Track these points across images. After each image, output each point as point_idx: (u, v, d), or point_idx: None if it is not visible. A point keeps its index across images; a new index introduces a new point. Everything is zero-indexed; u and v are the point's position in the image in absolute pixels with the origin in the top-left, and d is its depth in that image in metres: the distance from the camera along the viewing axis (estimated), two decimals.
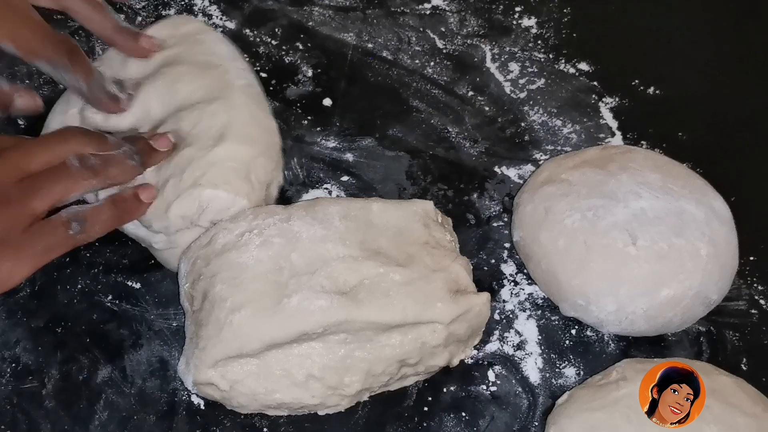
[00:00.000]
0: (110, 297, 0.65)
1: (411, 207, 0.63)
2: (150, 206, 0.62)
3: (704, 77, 0.81)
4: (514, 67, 0.80)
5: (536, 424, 0.62)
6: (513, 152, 0.75)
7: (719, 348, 0.66)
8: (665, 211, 0.64)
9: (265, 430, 0.61)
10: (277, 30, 0.81)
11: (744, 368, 0.65)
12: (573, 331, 0.66)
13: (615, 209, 0.64)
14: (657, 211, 0.64)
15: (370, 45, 0.81)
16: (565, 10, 0.84)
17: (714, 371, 0.60)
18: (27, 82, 0.69)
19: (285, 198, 0.71)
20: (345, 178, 0.73)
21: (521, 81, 0.79)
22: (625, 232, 0.63)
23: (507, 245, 0.70)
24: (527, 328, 0.66)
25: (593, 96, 0.79)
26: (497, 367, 0.64)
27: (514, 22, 0.83)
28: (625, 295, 0.62)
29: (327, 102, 0.77)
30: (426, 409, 0.62)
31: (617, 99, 0.79)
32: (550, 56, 0.81)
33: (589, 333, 0.66)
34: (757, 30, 0.85)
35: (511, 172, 0.74)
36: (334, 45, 0.81)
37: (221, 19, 0.81)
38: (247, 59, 0.78)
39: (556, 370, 0.64)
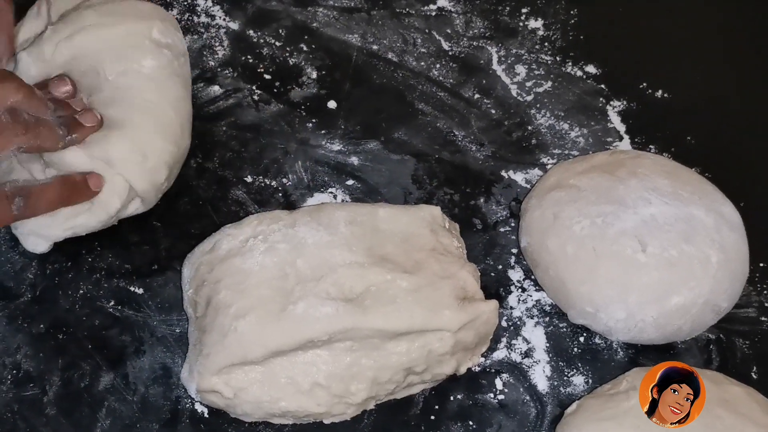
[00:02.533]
0: (112, 302, 0.64)
1: (418, 212, 0.63)
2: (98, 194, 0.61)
3: (713, 81, 0.80)
4: (521, 69, 0.79)
5: None
6: (520, 156, 0.74)
7: (729, 356, 0.65)
8: (675, 218, 0.63)
9: None
10: (280, 31, 0.80)
11: (754, 376, 0.64)
12: (581, 339, 0.65)
13: (624, 215, 0.63)
14: (667, 217, 0.63)
15: (375, 47, 0.80)
16: (572, 12, 0.83)
17: (724, 380, 0.59)
18: None
19: (289, 202, 0.70)
20: (350, 182, 0.72)
21: (528, 84, 0.78)
22: (635, 238, 0.62)
23: (514, 251, 0.69)
24: (535, 335, 0.65)
25: (601, 99, 0.78)
26: (505, 375, 0.63)
27: (521, 24, 0.82)
28: (634, 303, 0.61)
29: (332, 104, 0.76)
30: (433, 417, 0.61)
31: (625, 102, 0.78)
32: (557, 59, 0.80)
33: (597, 340, 0.65)
34: (767, 34, 0.84)
35: (518, 177, 0.73)
36: (338, 46, 0.80)
37: (224, 19, 0.80)
38: (251, 60, 0.78)
39: (565, 378, 0.63)
